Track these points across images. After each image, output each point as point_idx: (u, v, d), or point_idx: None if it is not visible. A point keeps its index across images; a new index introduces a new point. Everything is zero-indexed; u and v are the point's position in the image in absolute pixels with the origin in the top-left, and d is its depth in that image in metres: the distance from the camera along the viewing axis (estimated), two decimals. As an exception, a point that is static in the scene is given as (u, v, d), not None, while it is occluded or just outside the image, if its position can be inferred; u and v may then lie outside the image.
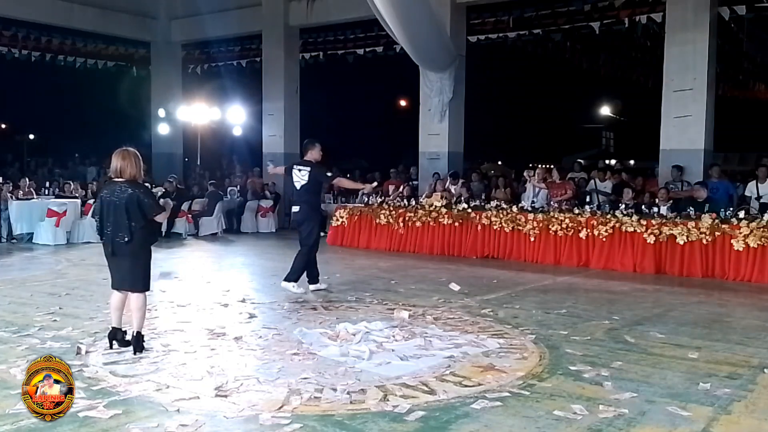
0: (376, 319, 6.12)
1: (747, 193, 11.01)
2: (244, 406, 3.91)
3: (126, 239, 4.85)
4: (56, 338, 5.40)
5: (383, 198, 12.79)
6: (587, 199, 11.63)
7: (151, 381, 4.33)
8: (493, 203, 11.32)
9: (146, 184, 5.61)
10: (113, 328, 5.07)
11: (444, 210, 11.37)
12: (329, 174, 7.80)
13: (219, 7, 17.80)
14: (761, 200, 10.56)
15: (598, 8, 14.10)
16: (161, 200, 5.00)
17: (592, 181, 12.46)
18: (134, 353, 4.88)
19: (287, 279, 7.66)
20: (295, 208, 7.81)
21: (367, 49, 17.36)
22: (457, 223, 11.20)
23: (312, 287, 7.77)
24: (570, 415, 3.81)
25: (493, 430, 3.64)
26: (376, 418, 3.76)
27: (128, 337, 5.04)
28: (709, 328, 6.12)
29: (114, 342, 5.02)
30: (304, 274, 7.76)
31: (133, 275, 4.95)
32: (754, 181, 11.02)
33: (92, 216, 5.10)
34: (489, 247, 10.91)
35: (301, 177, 7.69)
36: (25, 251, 11.19)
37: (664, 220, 9.42)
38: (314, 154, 7.76)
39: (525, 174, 12.47)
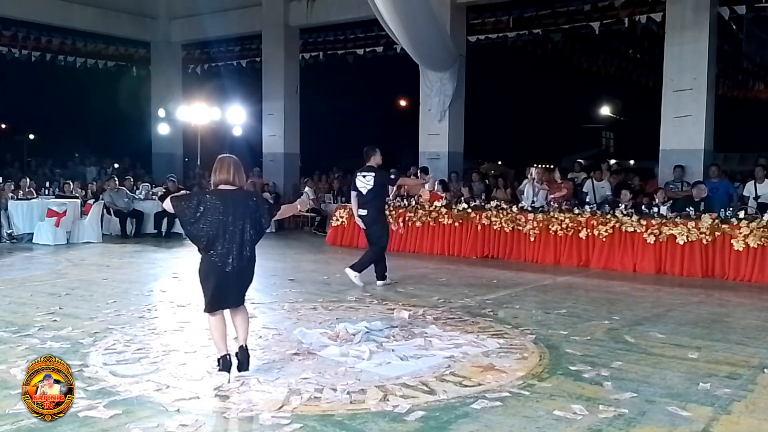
0: (376, 319, 6.12)
1: (745, 193, 11.03)
2: (244, 406, 3.91)
3: (251, 256, 4.44)
4: (56, 338, 5.40)
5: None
6: (586, 199, 11.63)
7: (151, 381, 4.33)
8: (493, 203, 11.32)
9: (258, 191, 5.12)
10: (227, 355, 4.44)
11: (444, 210, 11.36)
12: (392, 177, 8.49)
13: (219, 7, 17.82)
14: (759, 200, 10.57)
15: (598, 8, 14.12)
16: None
17: (589, 181, 12.46)
18: (240, 371, 4.41)
19: (353, 268, 8.12)
20: (363, 212, 8.26)
21: (367, 49, 17.38)
22: (457, 223, 11.19)
23: (380, 283, 8.16)
24: (570, 415, 3.81)
25: (493, 430, 3.64)
26: (376, 418, 3.76)
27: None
28: (709, 328, 6.12)
29: (231, 371, 4.42)
30: (371, 269, 8.21)
31: (243, 291, 4.56)
32: (753, 181, 11.04)
33: (195, 225, 4.26)
34: (489, 247, 10.91)
35: (366, 182, 8.14)
36: (25, 251, 11.19)
37: (664, 220, 9.41)
38: (376, 159, 8.19)
39: (527, 173, 12.45)
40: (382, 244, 8.27)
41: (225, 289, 4.38)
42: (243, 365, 4.43)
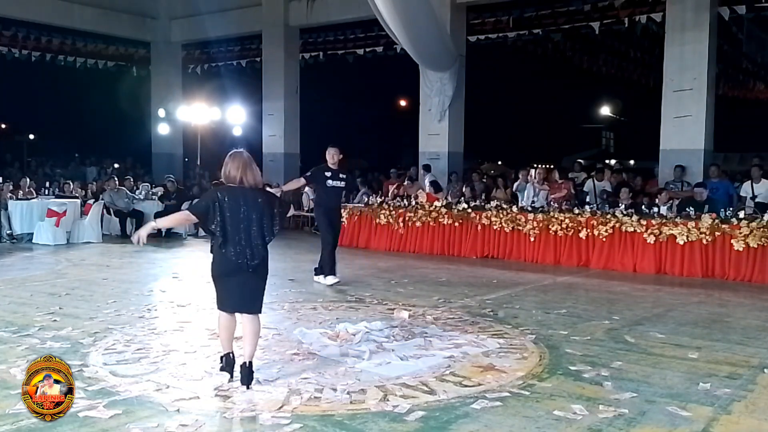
0: (376, 319, 6.12)
1: (742, 194, 11.03)
2: (244, 406, 3.91)
3: (263, 254, 4.30)
4: (56, 338, 5.39)
5: (383, 198, 12.79)
6: (587, 199, 11.64)
7: (151, 381, 4.33)
8: (493, 203, 11.33)
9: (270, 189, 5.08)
10: (230, 353, 4.38)
11: (444, 210, 11.37)
12: (307, 175, 8.72)
13: (219, 7, 17.83)
14: (756, 200, 10.58)
15: (598, 8, 14.13)
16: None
17: (590, 181, 12.48)
18: (245, 386, 4.20)
19: (321, 273, 8.34)
20: None
21: (367, 49, 17.39)
22: (457, 223, 11.19)
23: (316, 277, 8.34)
24: (570, 415, 3.81)
25: (493, 430, 3.64)
26: (376, 418, 3.76)
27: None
28: (709, 328, 6.12)
29: (234, 369, 4.33)
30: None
31: (256, 295, 4.34)
32: (749, 182, 11.05)
33: (209, 224, 4.24)
34: (489, 247, 10.91)
35: None
36: (25, 251, 11.18)
37: (664, 220, 9.41)
38: (326, 158, 8.35)
39: (521, 174, 12.44)
40: (323, 241, 8.37)
41: (236, 286, 4.28)
42: (244, 380, 4.23)
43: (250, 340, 4.28)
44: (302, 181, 8.70)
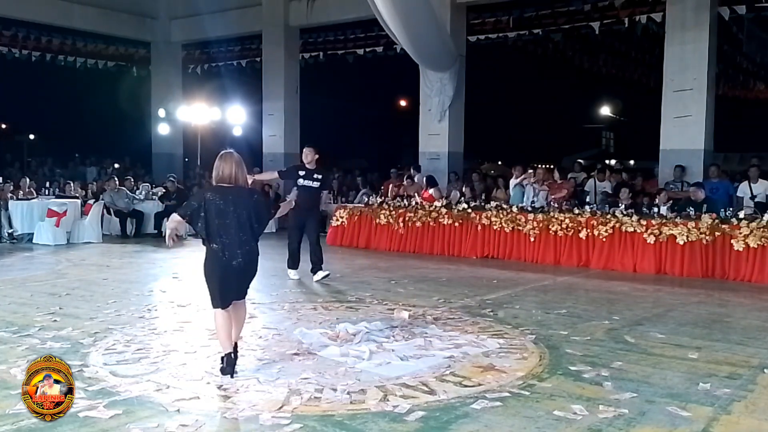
0: (376, 319, 6.12)
1: (739, 194, 10.97)
2: (244, 406, 3.91)
3: (255, 252, 4.50)
4: (56, 338, 5.40)
5: (383, 198, 12.79)
6: (587, 199, 11.63)
7: (151, 381, 4.33)
8: (493, 203, 11.31)
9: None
10: (231, 353, 4.42)
11: (444, 210, 11.37)
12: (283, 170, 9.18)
13: (219, 7, 17.83)
14: (755, 199, 10.56)
15: (598, 8, 14.13)
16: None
17: (591, 181, 12.47)
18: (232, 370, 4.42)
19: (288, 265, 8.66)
20: None
21: (367, 49, 17.39)
22: (457, 223, 11.20)
23: (313, 277, 8.52)
24: (570, 415, 3.81)
25: (493, 430, 3.64)
26: (376, 418, 3.76)
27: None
28: (709, 328, 6.12)
29: (234, 369, 4.42)
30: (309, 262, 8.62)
31: (247, 284, 4.64)
32: (747, 182, 11.01)
33: (196, 225, 4.38)
34: (489, 247, 10.91)
35: None
36: (25, 251, 11.19)
37: (664, 220, 9.41)
38: (301, 157, 8.62)
39: (516, 170, 12.39)
40: (288, 236, 8.71)
41: (230, 283, 4.45)
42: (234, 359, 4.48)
43: (238, 323, 4.59)
44: (275, 174, 9.04)
